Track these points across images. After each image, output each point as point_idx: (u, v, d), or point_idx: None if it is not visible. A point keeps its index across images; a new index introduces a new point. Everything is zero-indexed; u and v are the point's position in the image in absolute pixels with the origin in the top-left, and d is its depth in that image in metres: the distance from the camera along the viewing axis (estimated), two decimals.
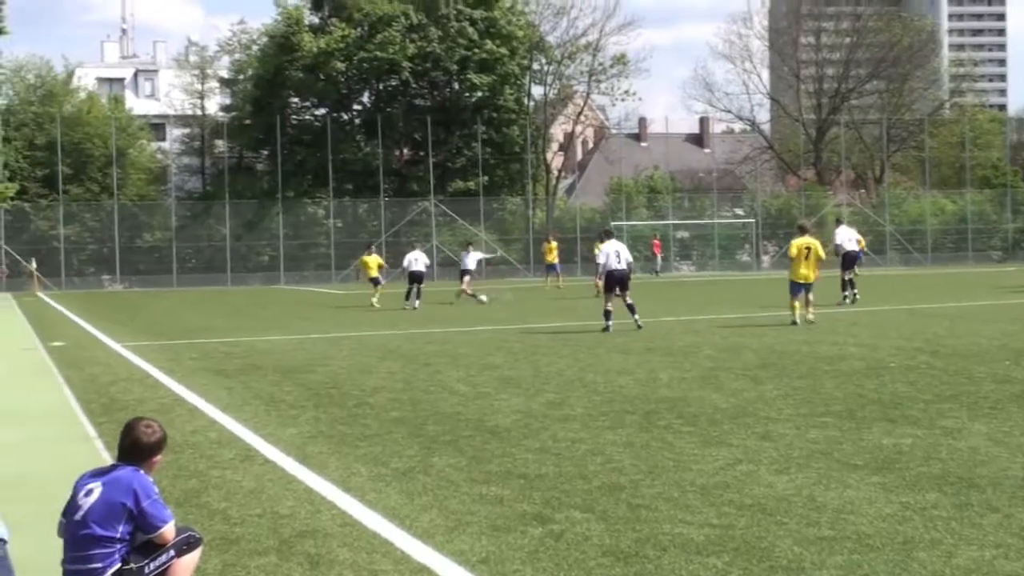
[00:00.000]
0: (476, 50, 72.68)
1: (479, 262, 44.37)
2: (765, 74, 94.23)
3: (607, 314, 23.98)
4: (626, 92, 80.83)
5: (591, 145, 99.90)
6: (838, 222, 38.87)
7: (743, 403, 13.00)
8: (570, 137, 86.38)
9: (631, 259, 24.95)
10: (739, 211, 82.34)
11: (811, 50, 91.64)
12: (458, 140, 74.31)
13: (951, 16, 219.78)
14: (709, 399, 13.40)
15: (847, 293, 31.56)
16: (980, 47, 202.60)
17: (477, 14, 73.11)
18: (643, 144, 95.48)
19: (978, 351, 18.00)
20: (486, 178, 73.53)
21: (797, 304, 24.44)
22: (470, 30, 72.76)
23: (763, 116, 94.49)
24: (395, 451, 10.54)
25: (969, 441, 10.27)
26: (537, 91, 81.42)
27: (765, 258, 79.13)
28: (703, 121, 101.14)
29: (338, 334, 25.65)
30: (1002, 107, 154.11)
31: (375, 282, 38.01)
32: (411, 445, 10.84)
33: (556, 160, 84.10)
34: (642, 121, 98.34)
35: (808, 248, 24.52)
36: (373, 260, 39.07)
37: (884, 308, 29.99)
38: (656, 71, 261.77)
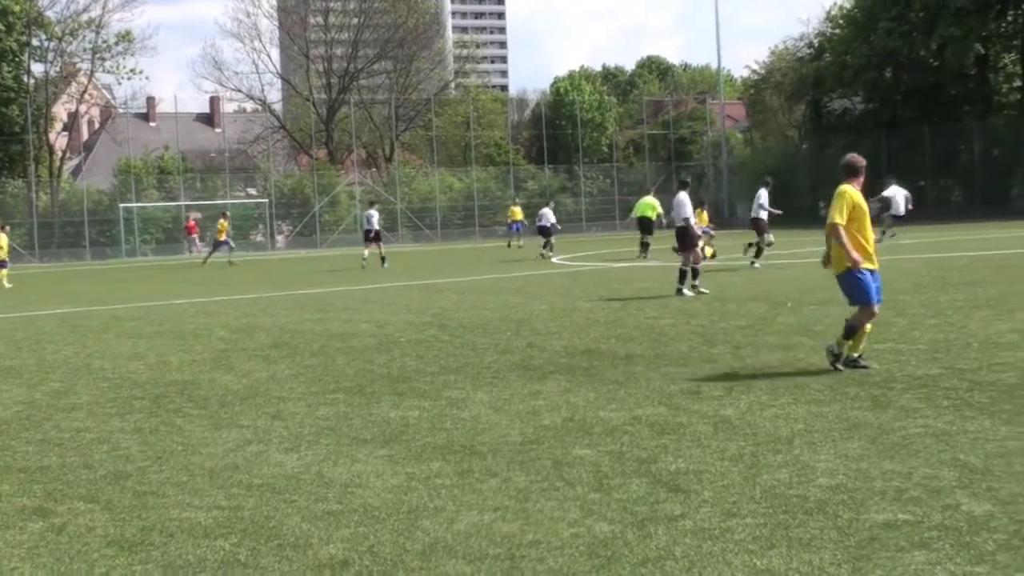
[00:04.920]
0: None
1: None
2: (275, 53, 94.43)
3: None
4: (132, 71, 78.68)
5: (97, 125, 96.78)
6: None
7: (255, 383, 12.99)
8: (74, 117, 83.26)
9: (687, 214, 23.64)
10: (252, 191, 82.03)
11: (320, 30, 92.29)
12: None
13: None
14: (221, 381, 13.31)
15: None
16: (482, 30, 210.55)
17: None
18: (152, 124, 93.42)
19: (482, 323, 18.72)
20: None
21: None
22: None
23: (274, 96, 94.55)
24: None
25: (472, 410, 10.67)
26: (37, 69, 77.99)
27: (279, 238, 79.25)
28: (213, 100, 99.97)
29: None
30: (504, 88, 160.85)
31: None
32: None
33: (60, 141, 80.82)
34: (150, 100, 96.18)
35: None
36: None
37: (396, 284, 30.70)
38: (164, 49, 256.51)
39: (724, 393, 10.91)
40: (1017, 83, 78.72)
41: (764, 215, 30.58)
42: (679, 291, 22.25)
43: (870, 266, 12.10)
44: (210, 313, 23.44)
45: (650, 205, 39.03)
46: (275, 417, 10.77)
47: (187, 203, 75.45)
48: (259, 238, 78.59)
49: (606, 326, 17.32)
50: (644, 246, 38.63)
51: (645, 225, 38.86)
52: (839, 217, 12.00)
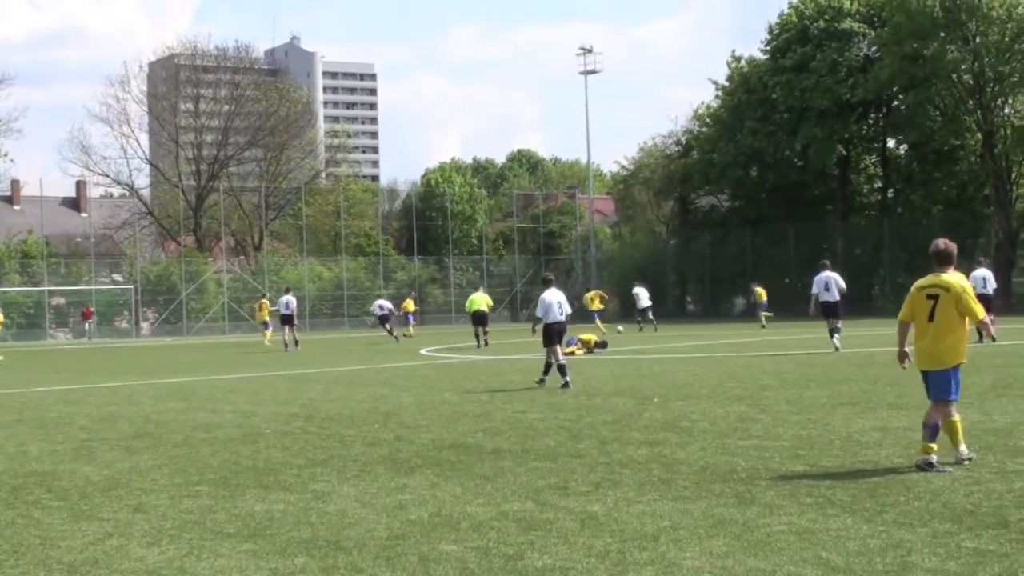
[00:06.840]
0: None
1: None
2: (144, 139, 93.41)
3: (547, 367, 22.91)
4: None
5: None
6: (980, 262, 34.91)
7: (116, 475, 12.72)
8: None
9: (569, 310, 23.69)
10: (118, 277, 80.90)
11: (190, 116, 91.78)
12: None
13: (326, 89, 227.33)
14: (81, 472, 13.02)
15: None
16: (354, 120, 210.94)
17: None
18: (16, 207, 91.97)
19: (350, 414, 18.59)
20: None
21: None
22: None
23: (142, 181, 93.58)
24: None
25: (338, 504, 10.56)
26: None
27: (144, 325, 78.10)
28: (80, 185, 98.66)
29: None
30: (375, 178, 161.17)
31: None
32: None
33: None
34: (15, 183, 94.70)
35: None
36: None
37: (263, 374, 30.39)
38: (30, 132, 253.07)
39: (591, 489, 10.94)
40: (877, 184, 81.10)
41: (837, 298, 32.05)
42: (565, 385, 22.22)
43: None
44: (72, 401, 22.96)
45: (483, 299, 44.05)
46: (137, 510, 10.56)
47: (50, 288, 74.14)
48: (124, 325, 77.35)
49: (474, 419, 17.31)
50: (478, 336, 42.27)
51: (479, 318, 42.91)
52: (979, 313, 11.34)
